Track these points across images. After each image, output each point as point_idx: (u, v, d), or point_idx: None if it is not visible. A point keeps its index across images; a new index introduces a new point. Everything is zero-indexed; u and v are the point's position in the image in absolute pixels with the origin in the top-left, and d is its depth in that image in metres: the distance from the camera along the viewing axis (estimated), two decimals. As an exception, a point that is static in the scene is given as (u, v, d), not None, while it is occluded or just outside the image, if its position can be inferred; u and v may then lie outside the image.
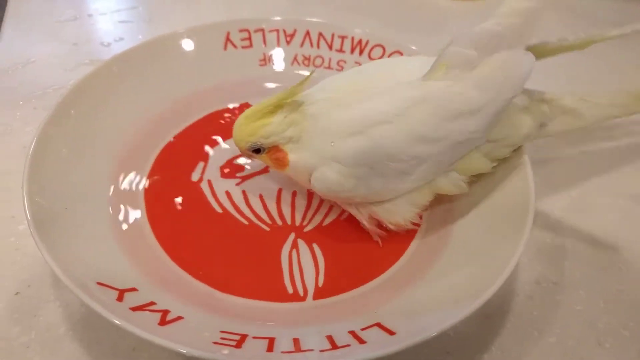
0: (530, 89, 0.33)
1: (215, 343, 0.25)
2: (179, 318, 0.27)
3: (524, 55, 0.30)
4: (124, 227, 0.33)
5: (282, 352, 0.25)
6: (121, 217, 0.33)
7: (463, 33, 0.30)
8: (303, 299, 0.31)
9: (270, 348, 0.25)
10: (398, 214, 0.32)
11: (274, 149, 0.32)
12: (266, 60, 0.44)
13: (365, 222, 0.33)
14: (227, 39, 0.43)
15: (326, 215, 0.35)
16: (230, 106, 0.42)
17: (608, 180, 0.41)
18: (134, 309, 0.26)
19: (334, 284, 0.31)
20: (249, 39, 0.44)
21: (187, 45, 0.42)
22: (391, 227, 0.32)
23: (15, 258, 0.33)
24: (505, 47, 0.29)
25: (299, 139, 0.31)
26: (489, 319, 0.32)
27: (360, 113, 0.30)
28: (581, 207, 0.39)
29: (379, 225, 0.33)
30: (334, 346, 0.25)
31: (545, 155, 0.42)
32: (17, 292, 0.31)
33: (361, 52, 0.44)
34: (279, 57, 0.44)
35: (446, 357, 0.30)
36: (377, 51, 0.43)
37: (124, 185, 0.35)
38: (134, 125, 0.38)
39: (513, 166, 0.34)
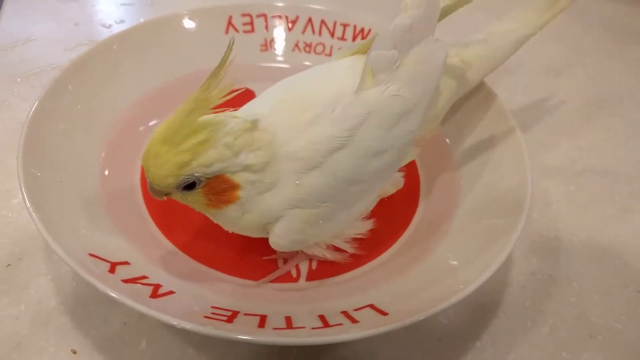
0: None
1: (206, 317, 0.25)
2: (171, 292, 0.27)
3: (435, 43, 0.30)
4: (119, 202, 0.32)
5: (274, 329, 0.25)
6: (116, 192, 0.33)
7: (380, 36, 0.29)
8: (296, 280, 0.30)
9: (261, 324, 0.25)
10: (352, 230, 0.31)
11: (217, 179, 0.25)
12: (267, 46, 0.44)
13: (328, 256, 0.30)
14: (229, 23, 0.43)
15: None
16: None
17: (605, 176, 0.41)
18: (126, 281, 0.26)
19: (328, 267, 0.31)
20: (251, 23, 0.44)
21: (188, 26, 0.42)
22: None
23: (8, 231, 0.33)
24: (417, 38, 0.29)
25: (263, 169, 0.26)
26: (482, 307, 0.32)
27: (313, 140, 0.27)
28: (578, 201, 0.39)
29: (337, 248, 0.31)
30: (326, 325, 0.25)
31: (543, 149, 0.42)
32: (8, 265, 0.31)
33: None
34: (280, 42, 0.44)
35: (438, 343, 0.30)
36: (379, 40, 0.43)
37: (121, 160, 0.35)
38: (133, 102, 0.38)
39: (511, 158, 0.34)
